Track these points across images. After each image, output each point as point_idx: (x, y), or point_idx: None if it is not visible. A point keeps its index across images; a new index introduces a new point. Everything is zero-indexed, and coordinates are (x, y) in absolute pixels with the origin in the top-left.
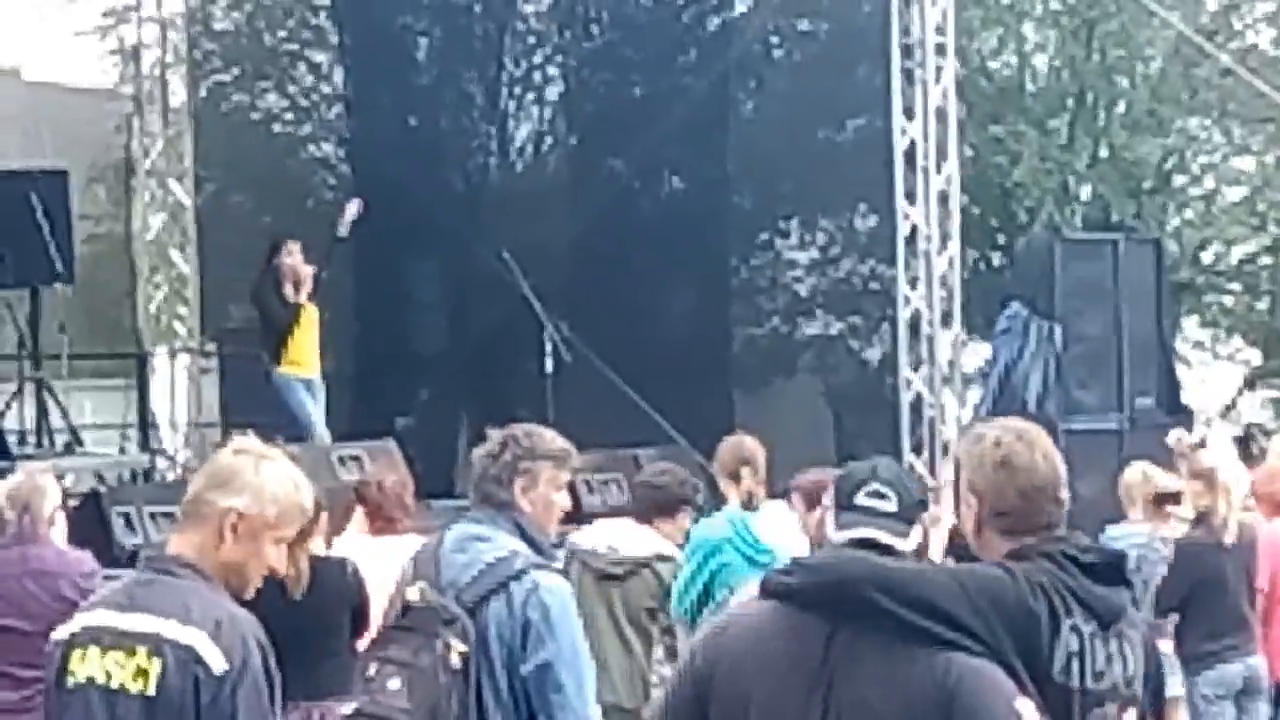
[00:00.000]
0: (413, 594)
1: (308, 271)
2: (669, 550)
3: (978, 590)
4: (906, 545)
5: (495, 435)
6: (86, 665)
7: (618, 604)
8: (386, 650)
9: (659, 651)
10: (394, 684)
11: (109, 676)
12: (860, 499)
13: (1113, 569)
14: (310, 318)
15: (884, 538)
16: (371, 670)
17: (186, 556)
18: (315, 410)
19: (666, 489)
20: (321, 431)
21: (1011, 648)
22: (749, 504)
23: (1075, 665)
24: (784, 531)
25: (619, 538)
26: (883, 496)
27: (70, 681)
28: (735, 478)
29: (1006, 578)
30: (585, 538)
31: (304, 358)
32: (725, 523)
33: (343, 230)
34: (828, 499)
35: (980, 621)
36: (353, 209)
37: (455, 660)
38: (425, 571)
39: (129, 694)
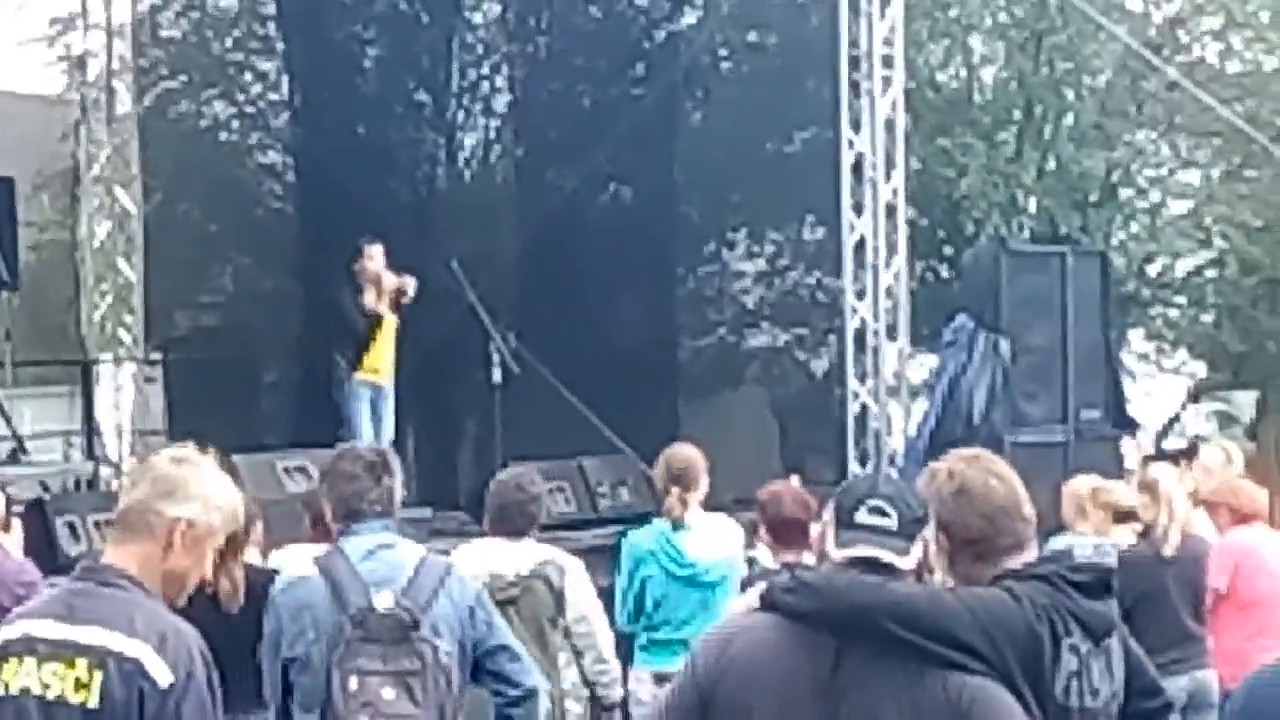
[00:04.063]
0: (384, 602)
1: (392, 281)
2: (550, 553)
3: (986, 615)
4: (906, 563)
5: (361, 456)
6: (21, 676)
7: (514, 623)
8: (358, 662)
9: (562, 658)
10: (388, 693)
11: (46, 687)
12: (860, 516)
13: (1102, 583)
14: (389, 325)
15: (884, 556)
16: (353, 685)
17: (125, 567)
18: (370, 421)
19: (529, 509)
20: (372, 442)
21: (1018, 671)
22: (675, 521)
23: (1075, 685)
24: (720, 545)
25: (495, 560)
26: (883, 513)
27: (3, 691)
28: (666, 493)
29: (1012, 601)
30: (464, 565)
31: (379, 365)
32: (652, 535)
33: (408, 300)
34: (827, 513)
35: (989, 646)
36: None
37: (445, 659)
38: (349, 583)
39: (69, 705)
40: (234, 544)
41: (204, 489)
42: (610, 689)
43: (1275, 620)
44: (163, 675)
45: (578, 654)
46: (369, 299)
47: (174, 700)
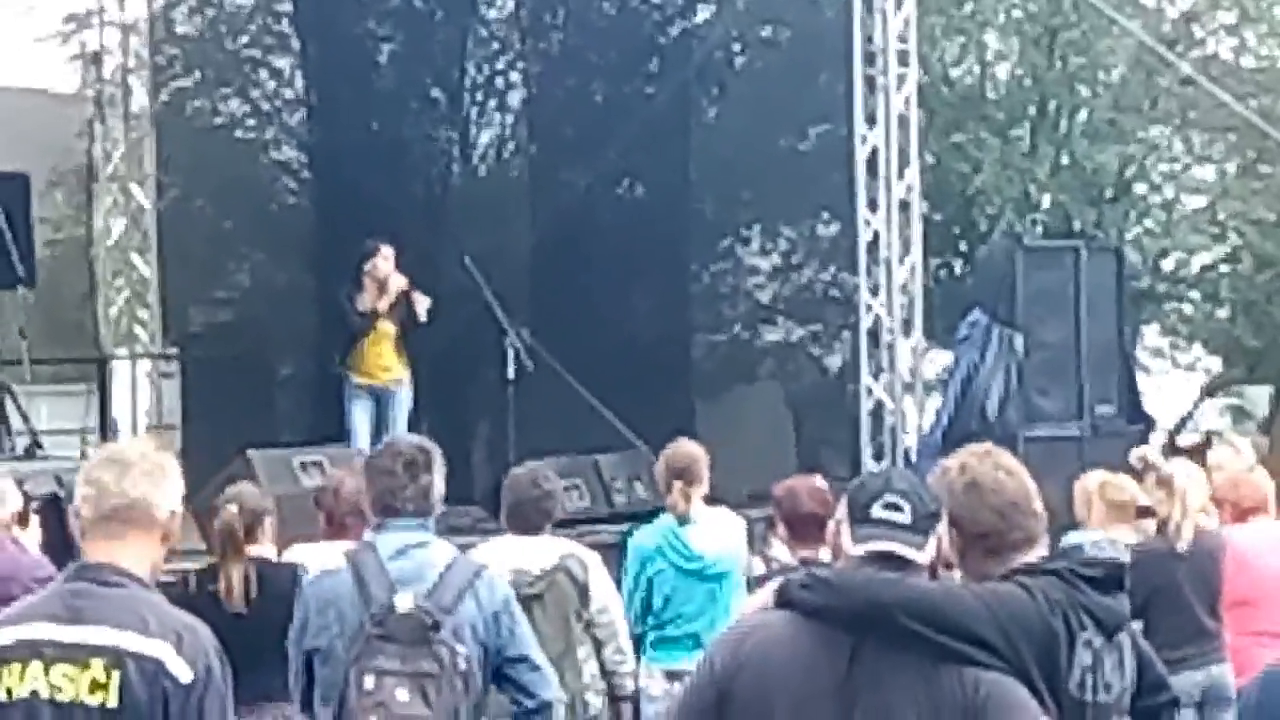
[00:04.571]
0: (405, 603)
1: (398, 282)
2: (569, 546)
3: (1002, 610)
4: (922, 557)
5: (401, 451)
6: (28, 680)
7: (540, 620)
8: (376, 661)
9: (582, 651)
10: (403, 695)
11: (57, 690)
12: (876, 511)
13: (1114, 578)
14: (385, 327)
15: (901, 550)
16: (368, 684)
17: (124, 565)
18: (368, 422)
19: (544, 506)
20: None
21: (1034, 666)
22: (680, 516)
23: (1089, 680)
24: (723, 539)
25: (517, 557)
26: (898, 508)
27: (5, 697)
28: (668, 489)
29: (1026, 597)
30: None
31: (371, 368)
32: (657, 532)
33: (421, 318)
34: (841, 509)
35: (1005, 641)
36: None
37: (462, 664)
38: (375, 580)
39: (86, 707)
40: (234, 542)
41: (178, 477)
42: (625, 680)
43: (1270, 616)
44: (184, 673)
45: (598, 645)
46: (367, 299)
47: (196, 697)
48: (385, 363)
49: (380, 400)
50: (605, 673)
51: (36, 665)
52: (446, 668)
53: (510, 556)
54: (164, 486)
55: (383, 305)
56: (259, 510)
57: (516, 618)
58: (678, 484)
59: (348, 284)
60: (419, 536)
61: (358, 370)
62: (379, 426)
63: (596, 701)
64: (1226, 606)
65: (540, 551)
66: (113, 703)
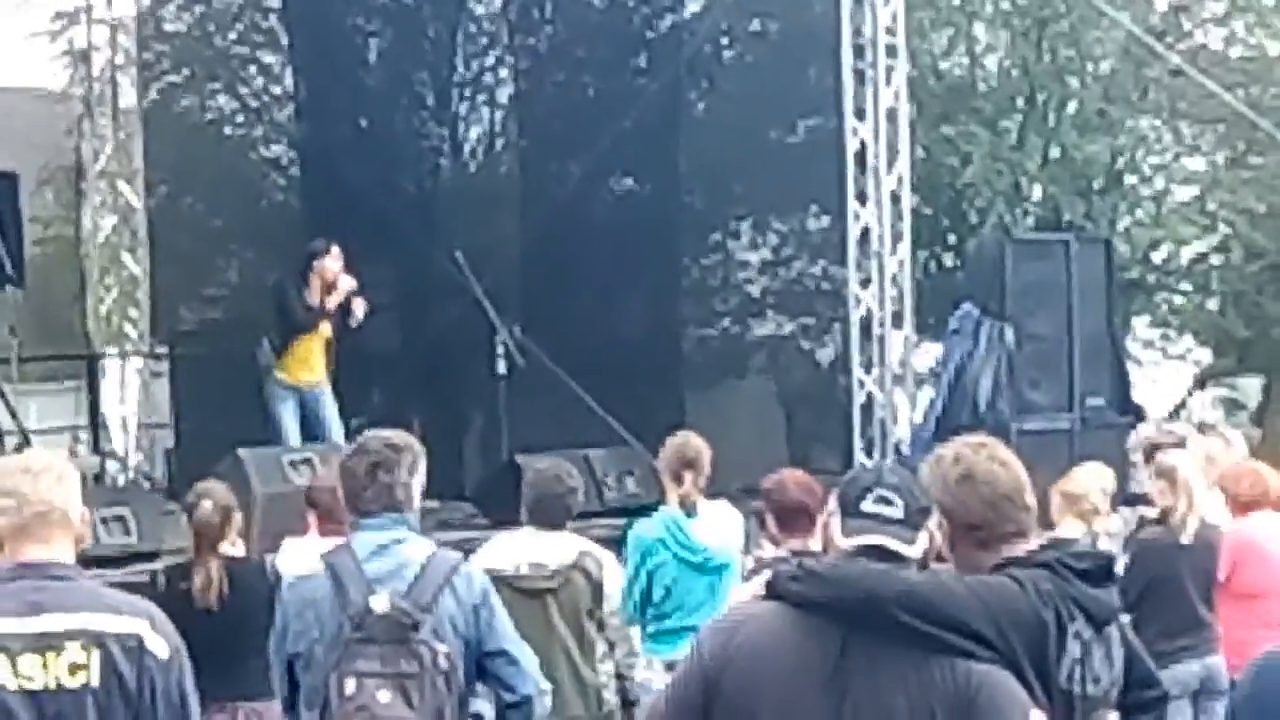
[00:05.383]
0: (381, 604)
1: (348, 283)
2: (587, 545)
3: (994, 602)
4: (913, 551)
5: (368, 450)
6: None
7: (554, 614)
8: (356, 664)
9: (599, 650)
10: (384, 696)
11: (28, 679)
12: (867, 505)
13: (1103, 571)
14: (322, 330)
15: (892, 544)
16: (349, 688)
17: (65, 560)
18: (295, 422)
19: (566, 502)
20: (295, 443)
21: (1025, 658)
22: (688, 508)
23: (1078, 672)
24: (723, 531)
25: (536, 550)
26: (889, 503)
27: None
28: (678, 479)
29: (1018, 589)
30: (497, 558)
31: (296, 367)
32: (659, 524)
33: (354, 323)
34: (832, 503)
35: (997, 633)
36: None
37: (444, 662)
38: (352, 582)
39: (67, 690)
40: (210, 539)
41: (79, 483)
42: (635, 684)
43: (1276, 609)
44: (161, 649)
45: (611, 645)
46: (315, 296)
47: (175, 673)
48: (312, 362)
49: (305, 400)
50: (616, 675)
51: (2, 660)
52: (427, 667)
53: (530, 550)
54: (72, 492)
55: (330, 303)
56: (229, 507)
57: (495, 610)
58: (688, 474)
59: (293, 279)
60: (394, 534)
61: (282, 368)
62: (312, 425)
63: (612, 699)
64: (1235, 598)
65: (559, 547)
66: (95, 682)
